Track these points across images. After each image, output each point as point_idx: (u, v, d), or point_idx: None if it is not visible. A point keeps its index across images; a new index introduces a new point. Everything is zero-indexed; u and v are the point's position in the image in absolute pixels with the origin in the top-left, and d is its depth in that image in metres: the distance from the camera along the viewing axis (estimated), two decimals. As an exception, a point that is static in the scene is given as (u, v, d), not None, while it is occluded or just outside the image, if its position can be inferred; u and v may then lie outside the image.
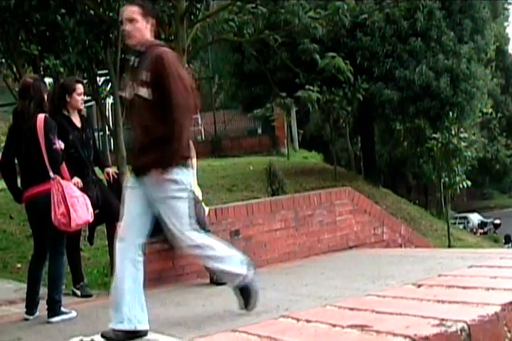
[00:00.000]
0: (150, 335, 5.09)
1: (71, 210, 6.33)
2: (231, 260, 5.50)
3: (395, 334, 1.27)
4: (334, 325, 1.38)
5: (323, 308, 1.56)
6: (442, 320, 1.33)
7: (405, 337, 1.25)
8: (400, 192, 39.44)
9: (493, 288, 1.58)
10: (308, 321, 1.44)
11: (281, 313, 1.50)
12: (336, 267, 8.51)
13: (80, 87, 7.89)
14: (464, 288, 1.63)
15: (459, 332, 1.31)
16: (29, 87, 6.66)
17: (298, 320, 1.46)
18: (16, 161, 6.82)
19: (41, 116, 6.52)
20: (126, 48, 13.63)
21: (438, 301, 1.51)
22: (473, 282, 1.70)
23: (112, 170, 8.47)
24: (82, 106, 8.04)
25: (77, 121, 7.91)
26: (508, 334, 1.42)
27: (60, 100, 7.74)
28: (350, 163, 38.79)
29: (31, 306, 6.61)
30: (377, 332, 1.30)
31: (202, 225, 8.03)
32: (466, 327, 1.32)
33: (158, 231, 8.17)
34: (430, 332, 1.27)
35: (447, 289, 1.64)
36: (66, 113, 7.80)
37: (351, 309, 1.51)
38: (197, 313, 5.95)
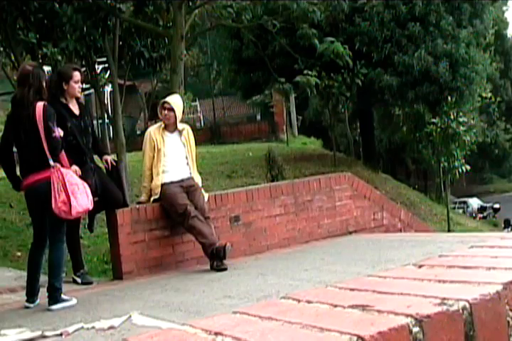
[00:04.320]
0: (148, 320, 5.10)
1: (71, 198, 6.33)
2: None
3: (396, 314, 1.26)
4: (335, 306, 1.37)
5: (324, 289, 1.56)
6: (444, 299, 1.33)
7: (407, 316, 1.24)
8: (400, 177, 39.48)
9: (494, 268, 1.57)
10: (309, 302, 1.44)
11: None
12: (335, 252, 8.52)
13: (77, 75, 7.83)
14: (465, 267, 1.62)
15: (460, 311, 1.30)
16: (28, 74, 6.63)
17: (299, 300, 1.46)
18: (15, 149, 6.82)
19: (40, 104, 6.51)
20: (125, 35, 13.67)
21: (439, 281, 1.50)
22: (475, 262, 1.69)
23: (110, 158, 8.46)
24: (79, 94, 8.01)
25: (75, 108, 7.89)
26: (510, 313, 1.42)
27: (57, 88, 7.70)
28: (349, 148, 38.82)
29: (32, 294, 6.62)
30: (379, 311, 1.29)
31: (201, 212, 8.06)
32: (467, 305, 1.31)
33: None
34: (432, 310, 1.27)
35: (448, 269, 1.64)
36: (64, 101, 7.77)
37: (352, 289, 1.51)
38: (197, 299, 5.97)
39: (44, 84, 6.71)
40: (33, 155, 6.52)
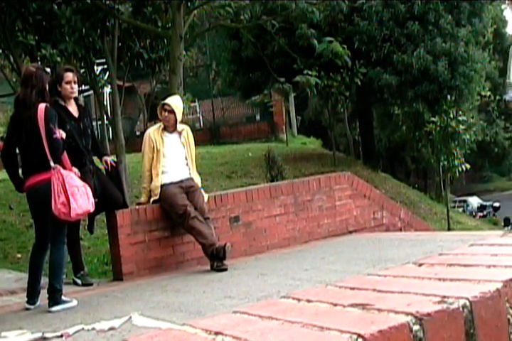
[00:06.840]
0: (148, 321, 5.10)
1: (71, 200, 6.32)
2: None
3: (396, 312, 1.26)
4: (335, 304, 1.37)
5: (324, 288, 1.56)
6: (444, 297, 1.32)
7: (407, 314, 1.24)
8: (399, 177, 39.45)
9: (494, 266, 1.57)
10: (309, 301, 1.43)
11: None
12: (335, 251, 8.52)
13: (68, 76, 7.78)
14: (465, 266, 1.62)
15: (460, 309, 1.30)
16: (32, 75, 6.64)
17: (299, 300, 1.45)
18: (18, 150, 6.82)
19: (42, 106, 6.51)
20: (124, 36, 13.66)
21: (439, 279, 1.50)
22: (475, 260, 1.69)
23: (110, 159, 8.45)
24: (73, 95, 7.93)
25: (74, 110, 7.88)
26: (510, 310, 1.42)
27: (53, 90, 7.67)
28: (348, 148, 38.82)
29: (32, 296, 6.62)
30: (379, 310, 1.29)
31: (201, 212, 8.05)
32: (468, 303, 1.31)
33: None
34: (432, 309, 1.26)
35: (448, 267, 1.63)
36: (62, 103, 7.76)
37: (352, 288, 1.51)
38: (197, 299, 5.96)
39: (47, 86, 6.72)
40: (34, 156, 6.53)
